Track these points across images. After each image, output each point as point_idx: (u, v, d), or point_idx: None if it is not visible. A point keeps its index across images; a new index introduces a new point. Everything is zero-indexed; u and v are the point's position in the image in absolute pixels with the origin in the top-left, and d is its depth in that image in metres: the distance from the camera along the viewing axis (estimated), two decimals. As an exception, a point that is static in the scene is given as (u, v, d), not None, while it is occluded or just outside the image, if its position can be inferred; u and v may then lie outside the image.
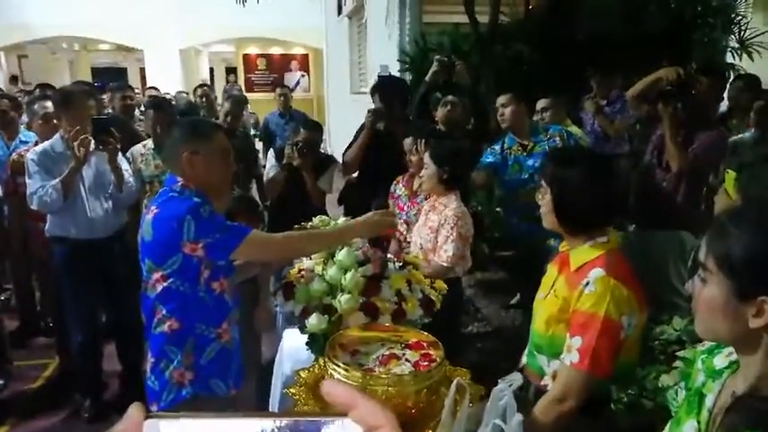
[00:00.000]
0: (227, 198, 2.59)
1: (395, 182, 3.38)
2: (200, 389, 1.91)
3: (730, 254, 0.98)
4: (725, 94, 4.23)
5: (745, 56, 5.14)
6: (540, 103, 3.77)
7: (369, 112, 3.65)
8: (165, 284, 1.84)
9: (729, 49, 5.24)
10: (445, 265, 2.61)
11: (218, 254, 1.84)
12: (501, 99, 3.34)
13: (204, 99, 5.83)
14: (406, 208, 3.26)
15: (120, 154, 3.23)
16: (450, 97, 3.75)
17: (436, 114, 3.84)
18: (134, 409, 0.39)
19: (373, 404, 0.39)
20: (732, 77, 4.48)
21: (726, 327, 1.01)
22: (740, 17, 5.24)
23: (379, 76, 3.95)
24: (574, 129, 3.98)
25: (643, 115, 3.88)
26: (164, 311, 1.87)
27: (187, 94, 7.23)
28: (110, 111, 4.73)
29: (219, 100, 5.56)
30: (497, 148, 3.39)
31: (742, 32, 5.15)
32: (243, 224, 2.23)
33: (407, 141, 3.21)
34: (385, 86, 3.88)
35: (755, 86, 4.03)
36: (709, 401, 1.09)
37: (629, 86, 3.92)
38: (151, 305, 1.90)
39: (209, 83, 11.96)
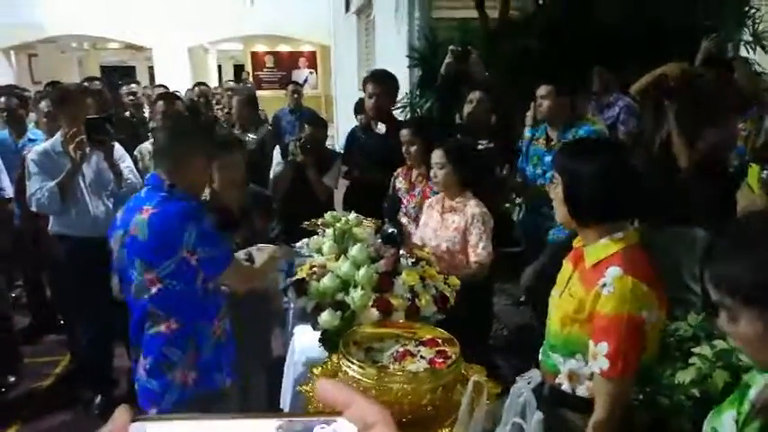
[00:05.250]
0: (241, 195, 2.61)
1: (395, 174, 3.35)
2: (204, 385, 1.92)
3: (755, 284, 0.94)
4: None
5: (759, 50, 5.08)
6: (541, 91, 3.64)
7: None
8: (160, 286, 1.82)
9: (743, 42, 5.17)
10: (485, 262, 2.65)
11: (210, 269, 1.86)
12: (541, 90, 3.31)
13: (203, 98, 5.85)
14: (405, 201, 3.24)
15: (123, 151, 3.23)
16: (475, 94, 3.66)
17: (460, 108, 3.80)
18: (120, 412, 0.38)
19: (367, 402, 0.38)
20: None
21: None
22: (754, 10, 5.17)
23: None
24: (598, 124, 3.92)
25: (649, 112, 3.83)
26: (160, 312, 1.86)
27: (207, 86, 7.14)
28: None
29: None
30: (529, 135, 3.39)
31: (756, 25, 5.08)
32: (258, 222, 2.29)
33: (404, 133, 3.18)
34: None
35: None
36: (752, 394, 1.07)
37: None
38: (143, 308, 1.87)
39: (218, 82, 11.95)
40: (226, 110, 5.93)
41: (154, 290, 1.82)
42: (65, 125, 3.00)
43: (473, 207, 2.69)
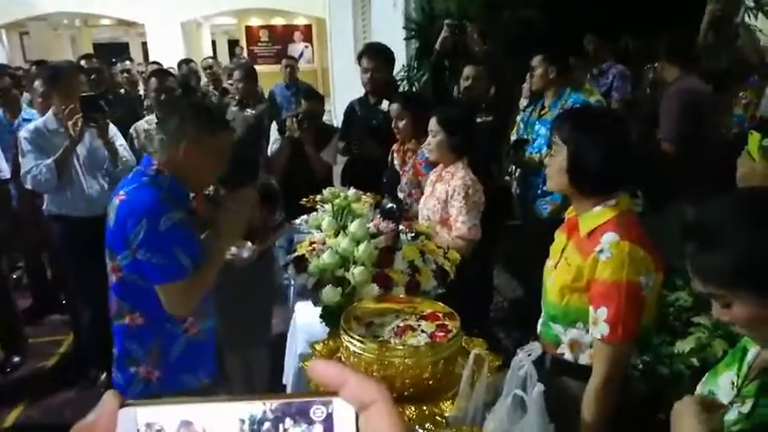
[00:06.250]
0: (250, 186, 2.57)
1: (391, 150, 3.31)
2: (170, 385, 1.82)
3: (736, 268, 0.96)
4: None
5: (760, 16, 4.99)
6: (534, 61, 3.44)
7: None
8: (120, 275, 1.75)
9: (745, 8, 5.08)
10: (467, 237, 2.47)
11: (150, 275, 1.69)
12: (534, 60, 3.28)
13: (193, 76, 5.80)
14: (399, 177, 3.21)
15: (116, 130, 3.20)
16: (471, 69, 3.54)
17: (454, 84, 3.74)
18: (108, 397, 0.36)
19: (364, 379, 0.37)
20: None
21: None
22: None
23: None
24: (594, 95, 3.87)
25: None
26: (123, 304, 1.79)
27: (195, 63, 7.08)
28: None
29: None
30: (531, 108, 3.38)
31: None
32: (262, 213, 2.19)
33: (393, 107, 3.14)
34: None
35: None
36: (750, 355, 1.08)
37: (642, 50, 3.81)
38: (113, 295, 1.82)
39: (211, 56, 11.75)
40: (211, 87, 5.89)
41: (114, 278, 1.77)
42: (58, 103, 2.98)
43: (457, 179, 2.52)
